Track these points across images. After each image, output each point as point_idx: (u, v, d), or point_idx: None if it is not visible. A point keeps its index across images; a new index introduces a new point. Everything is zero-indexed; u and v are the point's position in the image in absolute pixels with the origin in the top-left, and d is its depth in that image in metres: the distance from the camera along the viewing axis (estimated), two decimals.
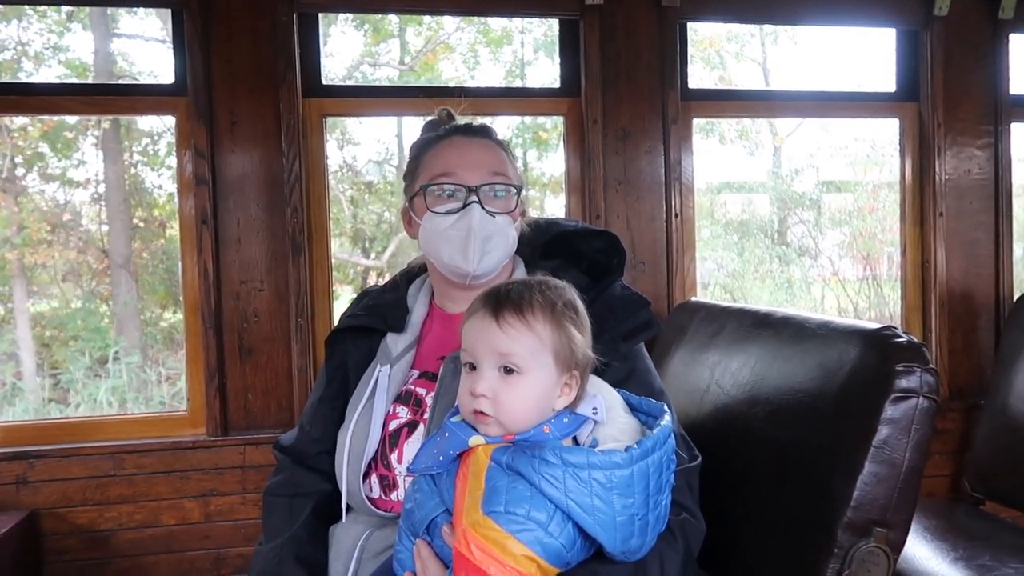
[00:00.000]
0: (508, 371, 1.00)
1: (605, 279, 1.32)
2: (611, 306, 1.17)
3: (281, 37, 2.28)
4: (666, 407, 1.09)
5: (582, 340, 1.03)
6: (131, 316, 5.56)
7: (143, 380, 5.25)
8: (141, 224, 5.76)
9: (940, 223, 2.62)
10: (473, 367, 1.02)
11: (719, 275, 5.95)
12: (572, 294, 1.07)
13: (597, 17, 2.41)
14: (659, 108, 2.46)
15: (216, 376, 2.29)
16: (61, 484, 2.22)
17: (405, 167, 1.42)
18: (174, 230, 5.65)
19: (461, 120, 1.41)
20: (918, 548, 2.01)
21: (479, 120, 1.43)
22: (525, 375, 0.99)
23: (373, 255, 6.13)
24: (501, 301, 1.02)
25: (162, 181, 5.73)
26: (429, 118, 1.42)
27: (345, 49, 5.87)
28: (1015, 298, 2.54)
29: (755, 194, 6.53)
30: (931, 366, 1.19)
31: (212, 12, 2.26)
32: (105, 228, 5.58)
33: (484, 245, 1.28)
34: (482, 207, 1.28)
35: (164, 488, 2.26)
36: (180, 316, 5.63)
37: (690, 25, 2.58)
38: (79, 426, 2.34)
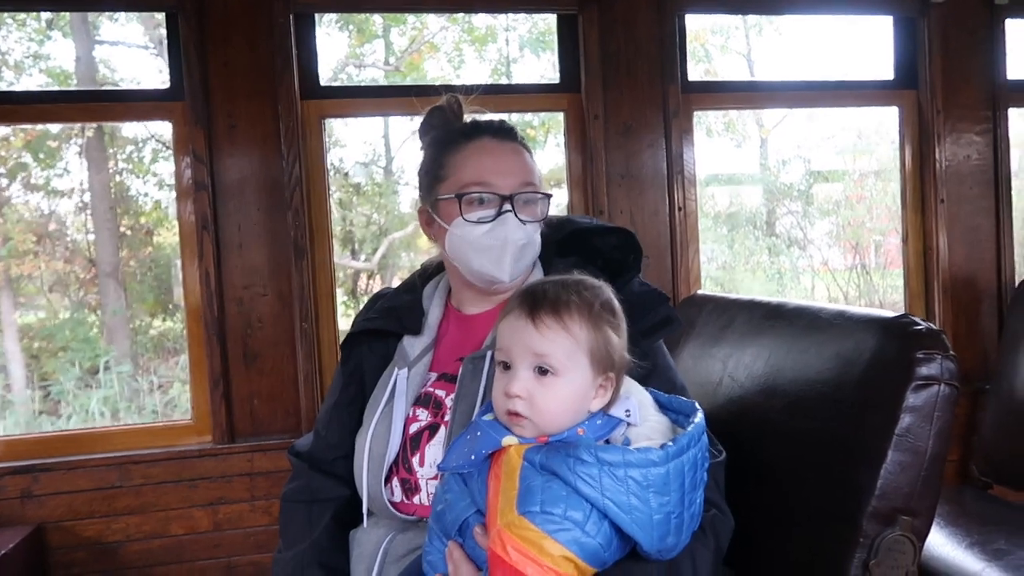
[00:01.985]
0: (544, 372, 0.99)
1: (622, 276, 1.31)
2: (630, 303, 1.16)
3: (278, 38, 2.27)
4: (697, 405, 1.08)
5: (618, 342, 1.02)
6: (121, 325, 5.51)
7: (135, 389, 5.21)
8: (128, 232, 5.70)
9: (941, 210, 2.64)
10: (508, 367, 1.01)
11: (710, 267, 5.96)
12: (609, 294, 1.06)
13: (596, 11, 2.41)
14: (660, 101, 2.46)
15: (221, 383, 2.27)
16: (67, 497, 2.19)
17: (421, 162, 1.39)
18: (162, 237, 5.60)
19: (485, 116, 1.37)
20: (932, 535, 2.01)
21: (488, 114, 1.39)
22: (561, 376, 0.98)
23: (363, 257, 6.10)
24: (538, 301, 1.01)
25: (148, 188, 5.69)
26: (434, 105, 1.38)
27: (330, 51, 5.83)
28: (1017, 283, 2.56)
29: (743, 186, 6.55)
30: (951, 353, 1.19)
31: (207, 15, 2.24)
32: (91, 237, 5.52)
33: (519, 253, 1.27)
34: (516, 216, 1.26)
35: (172, 498, 2.24)
36: (170, 324, 5.60)
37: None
38: (83, 438, 2.31)
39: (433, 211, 1.33)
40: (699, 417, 1.04)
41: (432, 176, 1.34)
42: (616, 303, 1.06)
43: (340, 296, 5.81)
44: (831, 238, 6.36)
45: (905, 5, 2.62)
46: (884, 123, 2.61)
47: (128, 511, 2.23)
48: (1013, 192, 2.77)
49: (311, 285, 2.32)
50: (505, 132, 1.33)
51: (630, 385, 1.10)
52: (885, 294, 5.58)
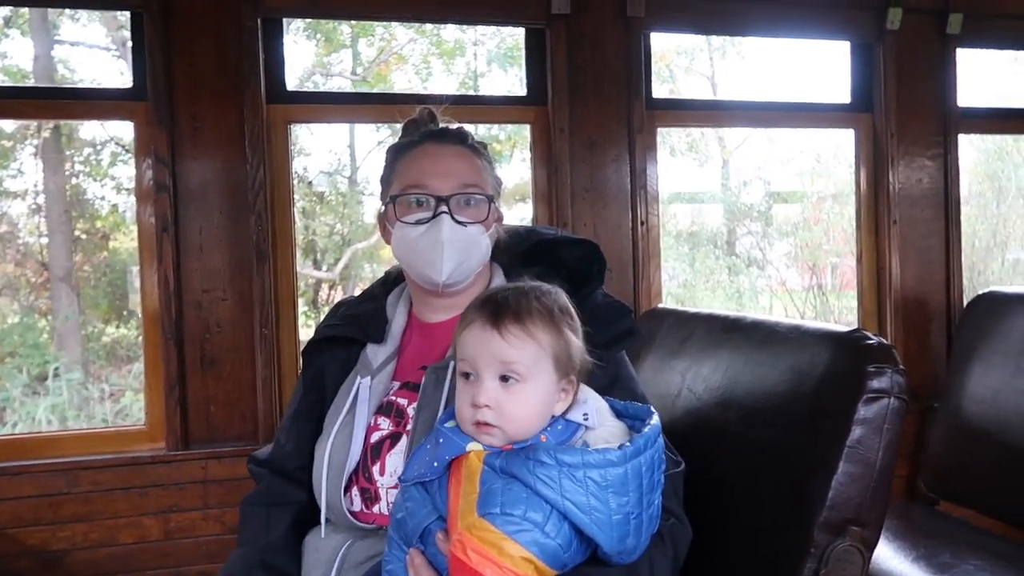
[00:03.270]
0: (509, 379, 1.00)
1: (586, 287, 1.32)
2: (593, 314, 1.18)
3: (245, 41, 2.25)
4: (652, 408, 1.10)
5: (578, 344, 1.04)
6: (72, 331, 5.38)
7: (85, 397, 5.08)
8: (83, 236, 5.59)
9: (894, 231, 2.72)
10: (470, 377, 1.02)
11: (671, 285, 6.03)
12: (565, 298, 1.08)
13: (563, 26, 2.44)
14: (624, 117, 2.50)
15: (177, 388, 2.23)
16: (11, 504, 2.13)
17: (382, 171, 1.40)
18: (118, 242, 5.50)
19: (440, 124, 1.39)
20: (880, 548, 2.05)
21: (457, 124, 1.41)
22: (527, 383, 1.00)
23: (325, 267, 6.05)
24: (501, 309, 1.02)
25: (105, 192, 5.59)
26: (410, 117, 1.40)
27: (297, 58, 5.80)
28: (965, 303, 2.64)
29: (705, 205, 6.65)
30: (900, 367, 1.23)
31: (173, 15, 2.22)
32: (44, 240, 5.39)
33: (454, 255, 1.27)
34: (452, 217, 1.27)
35: (122, 505, 2.19)
36: (124, 331, 5.49)
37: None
38: (29, 443, 2.25)
39: (385, 216, 1.36)
40: (654, 420, 1.06)
41: (385, 182, 1.37)
42: (571, 307, 1.08)
43: (301, 306, 5.74)
44: (789, 259, 6.49)
45: (862, 31, 2.70)
46: (842, 146, 2.69)
47: (75, 519, 2.16)
48: (963, 216, 2.86)
49: (272, 291, 2.30)
50: (448, 135, 1.34)
51: (586, 391, 1.11)
52: (840, 315, 5.69)
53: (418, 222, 1.28)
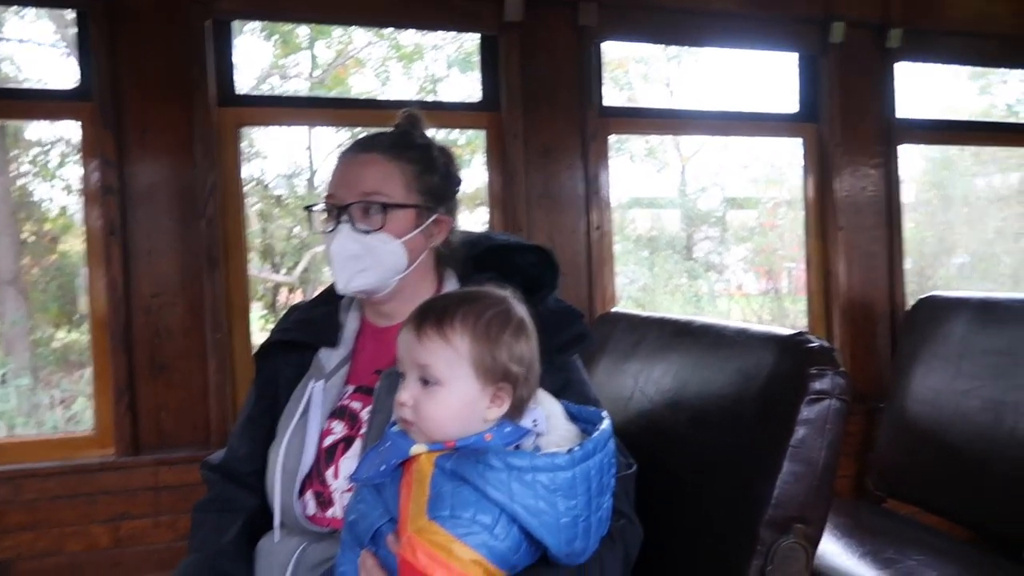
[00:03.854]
0: (428, 382, 1.01)
1: (539, 292, 1.33)
2: (545, 319, 1.19)
3: (194, 44, 2.22)
4: (604, 414, 1.11)
5: (516, 353, 1.03)
6: (20, 336, 5.25)
7: (34, 404, 4.96)
8: (31, 239, 5.45)
9: (840, 237, 2.79)
10: (402, 377, 1.04)
11: (631, 289, 6.09)
12: (511, 307, 1.08)
13: (517, 34, 2.46)
14: (577, 124, 2.53)
15: (126, 394, 2.19)
16: None
17: None
18: (67, 245, 5.37)
19: (409, 130, 1.38)
20: (828, 545, 2.12)
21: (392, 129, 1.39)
22: (444, 386, 1.01)
23: (284, 270, 5.98)
24: (424, 314, 1.04)
25: (54, 193, 5.45)
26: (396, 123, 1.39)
27: (253, 60, 5.74)
28: (909, 307, 2.72)
29: (664, 210, 6.73)
30: (841, 369, 1.27)
31: (119, 16, 2.18)
32: None
33: (351, 264, 1.27)
34: (353, 226, 1.27)
35: (69, 513, 2.14)
36: (75, 335, 5.36)
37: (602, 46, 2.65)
38: None
39: None
40: (605, 424, 1.08)
41: None
42: (520, 315, 1.08)
43: (259, 310, 5.68)
44: (746, 263, 6.60)
45: (807, 43, 2.77)
46: (796, 154, 2.76)
47: (20, 527, 2.11)
48: (911, 223, 2.95)
49: (225, 296, 2.27)
50: (366, 143, 1.34)
51: (541, 396, 1.12)
52: (796, 318, 5.80)
53: (326, 232, 1.30)
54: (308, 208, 1.34)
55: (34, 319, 5.31)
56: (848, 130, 2.80)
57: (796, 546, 1.24)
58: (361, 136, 1.37)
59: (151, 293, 2.23)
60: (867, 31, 2.81)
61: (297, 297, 5.80)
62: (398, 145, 1.33)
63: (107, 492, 2.16)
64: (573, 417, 1.13)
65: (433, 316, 1.03)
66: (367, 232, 1.27)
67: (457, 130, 4.43)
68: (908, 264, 3.05)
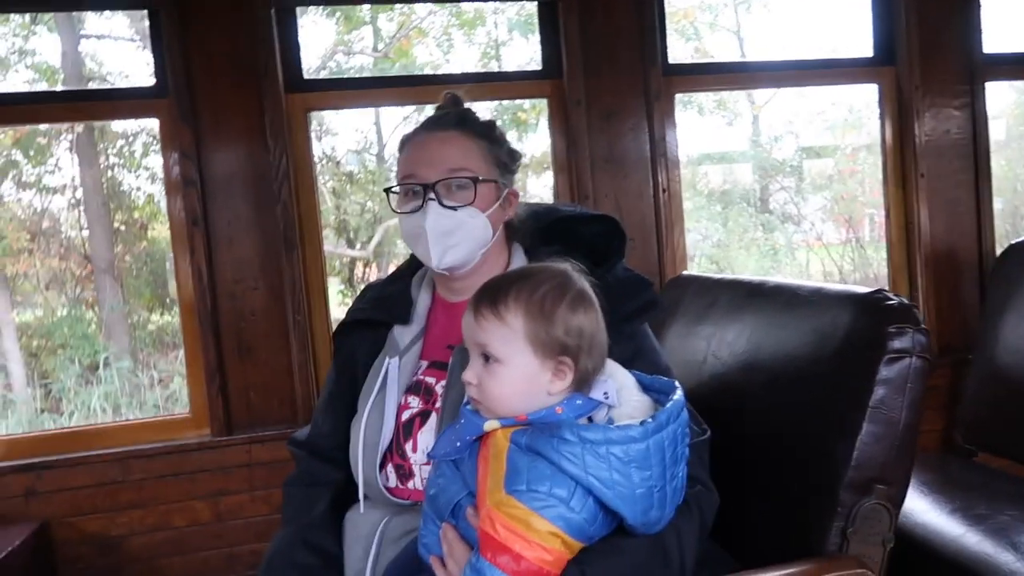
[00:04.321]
0: (489, 360, 1.04)
1: (606, 262, 1.34)
2: (613, 288, 1.20)
3: (260, 32, 2.28)
4: (677, 383, 1.11)
5: (572, 326, 1.04)
6: (118, 321, 5.53)
7: (136, 384, 5.23)
8: (122, 227, 5.71)
9: (922, 184, 2.67)
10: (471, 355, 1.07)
11: (704, 246, 6.00)
12: (567, 279, 1.08)
13: None
14: (641, 85, 2.48)
15: (216, 376, 2.30)
16: (70, 493, 2.23)
17: None
18: (156, 231, 5.61)
19: (456, 108, 1.39)
20: (916, 502, 2.06)
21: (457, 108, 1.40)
22: (503, 363, 1.03)
23: (359, 245, 6.11)
24: (481, 294, 1.07)
25: (140, 183, 5.69)
26: (437, 104, 1.41)
27: (318, 39, 5.81)
28: (997, 253, 2.59)
29: (736, 164, 6.57)
30: (922, 326, 1.23)
31: (189, 11, 2.25)
32: (86, 233, 5.52)
33: (444, 240, 1.29)
34: (440, 203, 1.29)
35: (173, 491, 2.28)
36: (168, 318, 5.62)
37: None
38: (84, 434, 2.36)
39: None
40: (678, 395, 1.07)
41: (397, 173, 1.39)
42: (579, 287, 1.08)
43: (337, 285, 5.82)
44: (824, 213, 6.40)
45: None
46: (876, 96, 2.65)
47: (130, 505, 2.26)
48: (996, 164, 2.80)
49: (302, 278, 2.35)
50: (440, 122, 1.36)
51: (613, 368, 1.12)
52: (879, 267, 5.61)
53: (411, 211, 1.31)
54: (387, 190, 1.37)
55: (130, 304, 5.58)
56: (928, 71, 2.65)
57: (878, 507, 1.23)
58: (428, 118, 1.38)
59: (234, 279, 2.32)
60: None
61: (372, 271, 5.91)
62: (467, 122, 1.36)
63: (206, 470, 2.29)
64: (645, 388, 1.13)
65: (488, 296, 1.06)
66: (456, 208, 1.30)
67: None
68: (999, 205, 2.90)
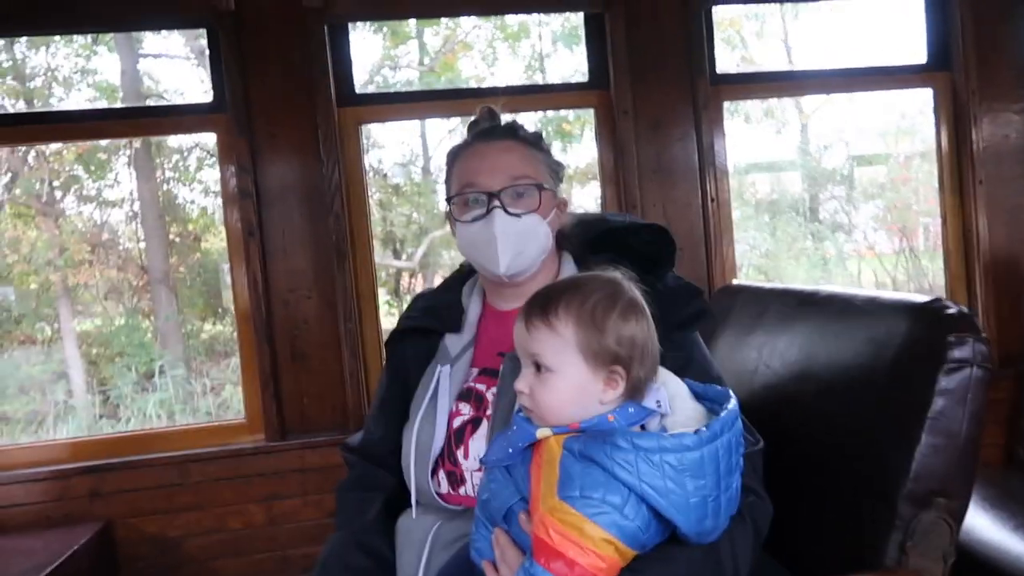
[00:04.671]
0: (541, 369, 1.04)
1: (656, 271, 1.34)
2: (664, 297, 1.19)
3: (314, 48, 2.34)
4: (731, 393, 1.10)
5: (624, 336, 1.03)
6: (173, 330, 5.68)
7: (189, 392, 5.36)
8: (177, 239, 5.87)
9: (980, 191, 2.60)
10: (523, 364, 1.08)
11: (752, 255, 5.92)
12: (618, 288, 1.08)
13: (622, 7, 2.43)
14: (689, 94, 2.48)
15: (271, 383, 2.35)
16: (131, 495, 2.30)
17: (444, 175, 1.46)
18: (209, 243, 5.75)
19: (498, 121, 1.42)
20: (976, 518, 2.01)
21: (509, 119, 1.44)
22: (555, 373, 1.03)
23: (405, 256, 6.17)
24: (531, 304, 1.07)
25: (194, 196, 5.85)
26: (472, 118, 1.44)
27: (365, 54, 5.92)
28: None
29: (784, 172, 6.47)
30: (983, 335, 1.20)
31: (245, 29, 2.32)
32: (143, 245, 5.69)
33: (509, 247, 1.31)
34: (505, 210, 1.31)
35: (228, 494, 2.34)
36: (220, 327, 5.74)
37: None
38: (143, 439, 2.42)
39: (448, 217, 1.41)
40: (732, 404, 1.07)
41: (446, 185, 1.42)
42: (630, 297, 1.07)
43: (383, 295, 5.88)
44: (877, 222, 6.26)
45: None
46: (929, 103, 2.59)
47: (188, 507, 2.33)
48: None
49: (354, 287, 2.39)
50: (496, 132, 1.38)
51: (665, 376, 1.12)
52: (934, 277, 5.46)
53: (474, 219, 1.33)
54: (449, 199, 1.38)
55: (183, 314, 5.73)
56: (985, 75, 2.60)
57: (939, 520, 1.20)
58: (478, 130, 1.40)
59: (288, 288, 2.38)
60: None
61: (418, 282, 5.96)
62: (520, 132, 1.38)
63: (260, 474, 2.34)
64: (699, 396, 1.12)
65: (539, 305, 1.06)
66: (520, 215, 1.32)
67: None
68: None
